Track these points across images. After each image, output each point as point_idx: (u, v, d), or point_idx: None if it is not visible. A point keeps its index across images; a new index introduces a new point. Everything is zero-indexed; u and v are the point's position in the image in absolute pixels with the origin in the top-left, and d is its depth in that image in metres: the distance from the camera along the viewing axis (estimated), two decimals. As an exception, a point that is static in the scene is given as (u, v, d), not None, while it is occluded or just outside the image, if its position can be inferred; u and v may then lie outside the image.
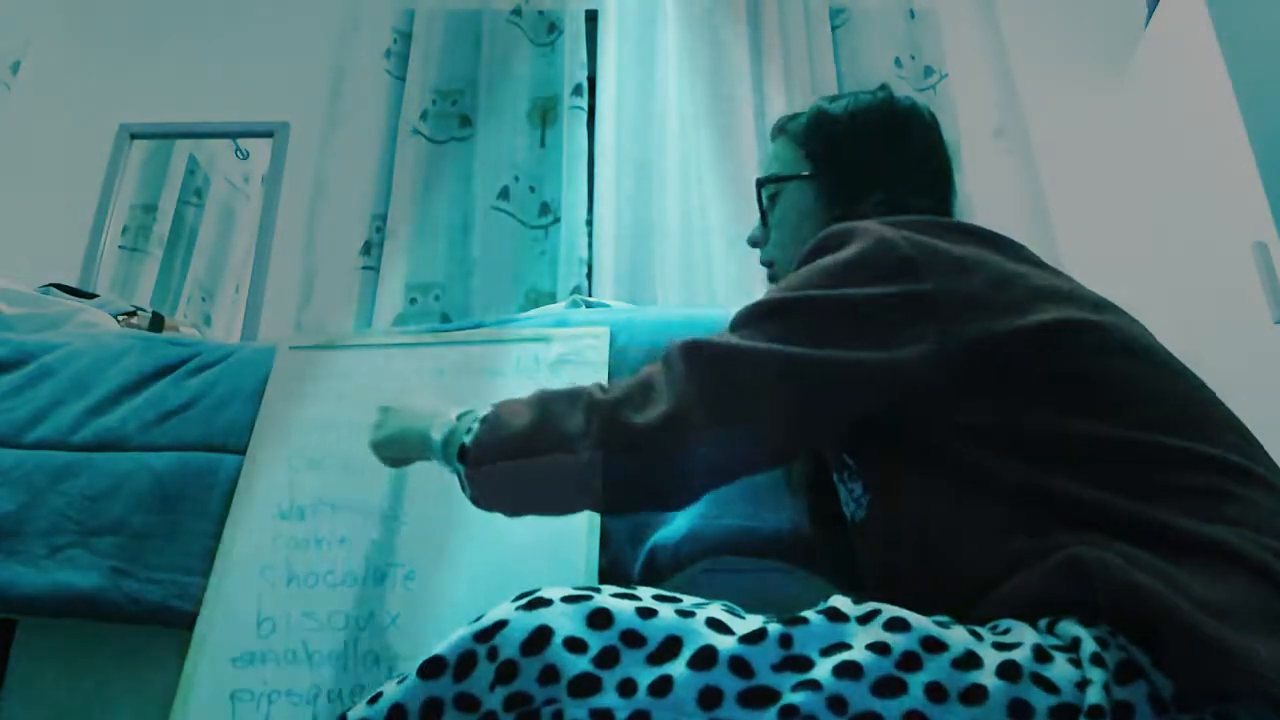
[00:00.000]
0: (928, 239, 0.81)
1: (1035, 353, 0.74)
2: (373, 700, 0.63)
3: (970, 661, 0.57)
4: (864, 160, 0.98)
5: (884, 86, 1.05)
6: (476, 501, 0.84)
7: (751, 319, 0.81)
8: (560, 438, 0.77)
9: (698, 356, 0.78)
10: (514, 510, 0.88)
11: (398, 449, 1.00)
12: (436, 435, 0.87)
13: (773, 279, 1.07)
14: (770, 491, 1.08)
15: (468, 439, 0.83)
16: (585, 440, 0.76)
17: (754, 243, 1.09)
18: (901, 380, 0.75)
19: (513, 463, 0.80)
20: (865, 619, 0.60)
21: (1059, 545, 0.64)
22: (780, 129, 1.09)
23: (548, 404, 0.81)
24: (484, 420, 0.84)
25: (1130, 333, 0.78)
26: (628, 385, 0.80)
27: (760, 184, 1.06)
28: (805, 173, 1.01)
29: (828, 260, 0.82)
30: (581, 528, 1.12)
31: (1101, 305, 0.81)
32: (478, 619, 0.63)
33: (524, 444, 0.79)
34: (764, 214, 1.06)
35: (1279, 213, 1.55)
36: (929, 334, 0.75)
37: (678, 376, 0.77)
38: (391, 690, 0.62)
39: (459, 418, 0.87)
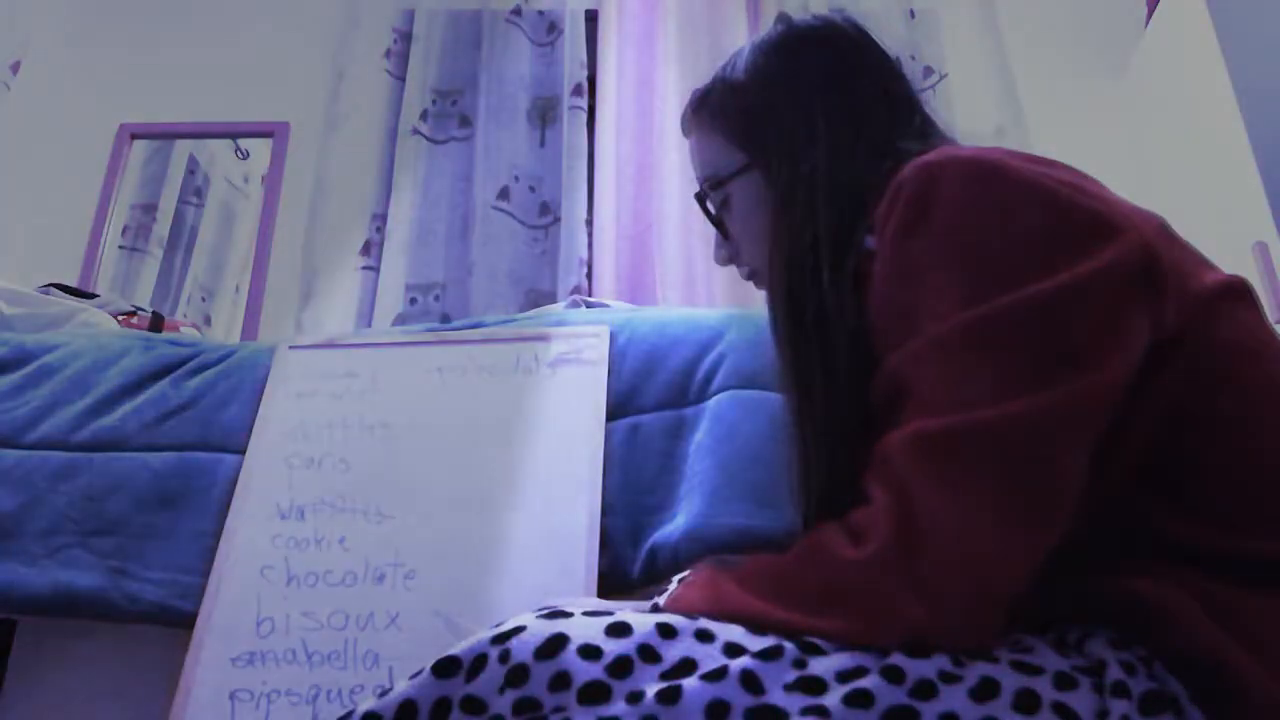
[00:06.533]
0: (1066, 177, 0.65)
1: (1204, 325, 0.65)
2: (383, 693, 0.61)
3: (987, 691, 0.54)
4: (794, 116, 0.81)
5: (781, 16, 0.90)
6: None
7: (948, 355, 0.62)
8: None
9: (933, 457, 0.59)
10: None
11: None
12: None
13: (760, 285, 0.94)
14: (770, 491, 1.08)
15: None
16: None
17: (725, 260, 0.93)
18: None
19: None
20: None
21: (1122, 568, 0.60)
22: (693, 117, 0.91)
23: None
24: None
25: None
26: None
27: (702, 197, 0.90)
28: (743, 164, 0.86)
29: (983, 237, 0.64)
30: (582, 528, 1.12)
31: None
32: (498, 624, 0.62)
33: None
34: (720, 225, 0.90)
35: (1279, 213, 1.55)
36: (1143, 311, 0.62)
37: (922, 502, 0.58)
38: (403, 686, 0.61)
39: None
